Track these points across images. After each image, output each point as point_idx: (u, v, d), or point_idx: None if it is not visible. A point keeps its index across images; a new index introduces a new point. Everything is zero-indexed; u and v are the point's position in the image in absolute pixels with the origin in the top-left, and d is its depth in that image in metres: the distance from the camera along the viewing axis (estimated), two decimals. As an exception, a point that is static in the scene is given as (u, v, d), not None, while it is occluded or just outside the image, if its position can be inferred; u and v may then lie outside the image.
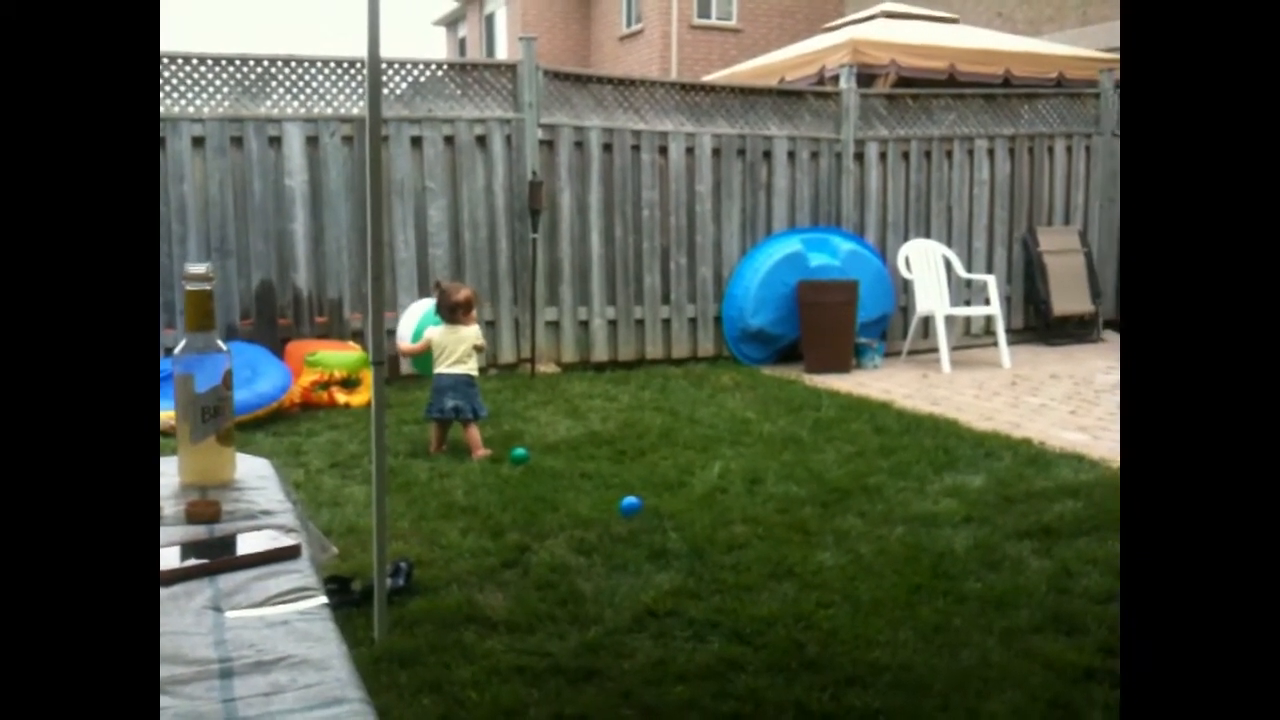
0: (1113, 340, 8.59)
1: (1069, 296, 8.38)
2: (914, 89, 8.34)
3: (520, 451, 4.63)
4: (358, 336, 6.34)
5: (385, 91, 6.55)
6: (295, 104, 6.31)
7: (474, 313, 4.89)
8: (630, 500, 3.88)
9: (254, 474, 1.70)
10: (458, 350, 4.76)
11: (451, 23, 28.25)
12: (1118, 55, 10.04)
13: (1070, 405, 6.04)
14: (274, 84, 6.26)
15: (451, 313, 4.78)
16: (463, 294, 4.84)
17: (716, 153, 7.44)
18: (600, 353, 7.17)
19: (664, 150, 7.30)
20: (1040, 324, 8.46)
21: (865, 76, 8.43)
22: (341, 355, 5.90)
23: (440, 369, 4.79)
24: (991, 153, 8.31)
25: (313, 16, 45.63)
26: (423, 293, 6.63)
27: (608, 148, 7.12)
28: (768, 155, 7.61)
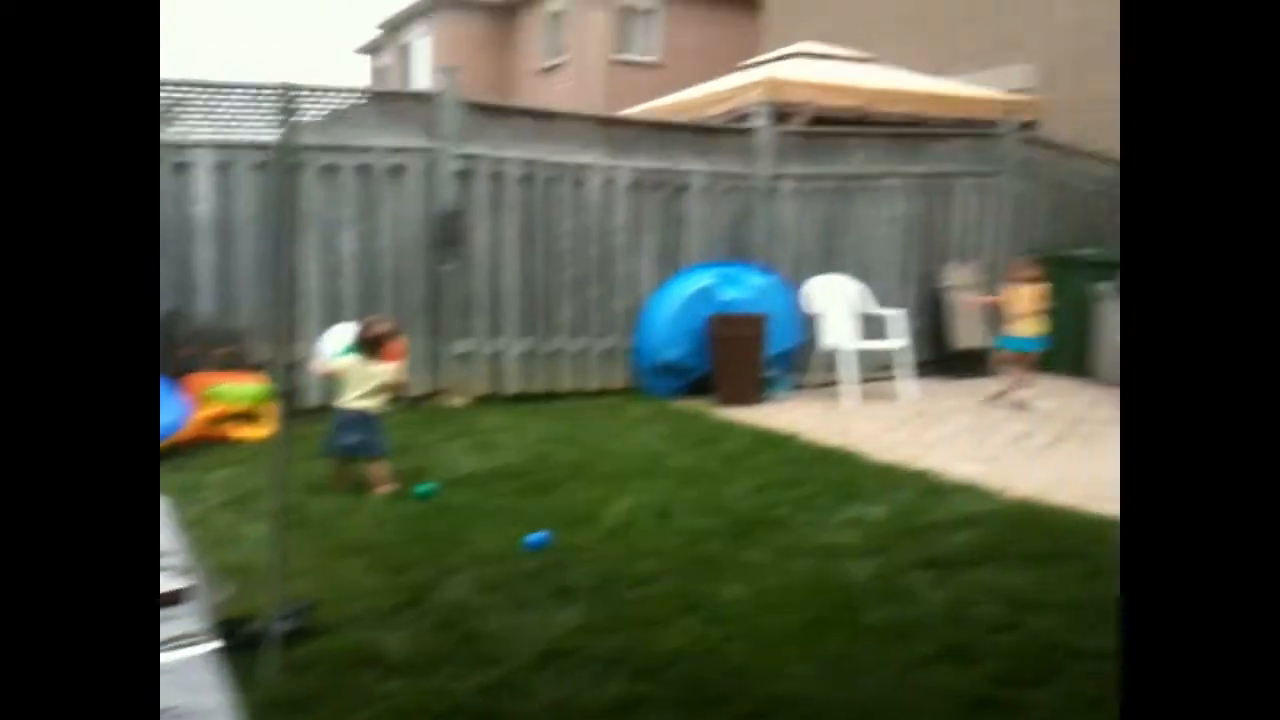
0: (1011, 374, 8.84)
1: (971, 332, 8.62)
2: (828, 127, 8.54)
3: (426, 486, 4.57)
4: (262, 368, 6.20)
5: (301, 119, 6.46)
6: (207, 130, 6.18)
7: (394, 347, 4.78)
8: (537, 535, 3.86)
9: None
10: (364, 385, 4.68)
11: (374, 50, 28.05)
12: (1020, 97, 10.43)
13: (969, 437, 6.21)
14: (184, 110, 6.12)
15: (366, 347, 4.70)
16: (378, 329, 4.74)
17: (634, 186, 7.50)
18: (513, 385, 7.14)
19: (581, 183, 7.33)
20: (943, 358, 8.68)
21: (781, 114, 8.61)
22: (243, 388, 5.76)
23: (343, 402, 4.71)
24: (900, 191, 8.54)
25: (228, 40, 44.92)
26: (330, 324, 6.52)
27: (525, 179, 7.13)
28: (684, 190, 7.70)
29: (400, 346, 5.04)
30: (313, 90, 6.50)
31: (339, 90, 6.64)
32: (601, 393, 7.34)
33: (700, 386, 7.43)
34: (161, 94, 6.06)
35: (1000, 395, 7.35)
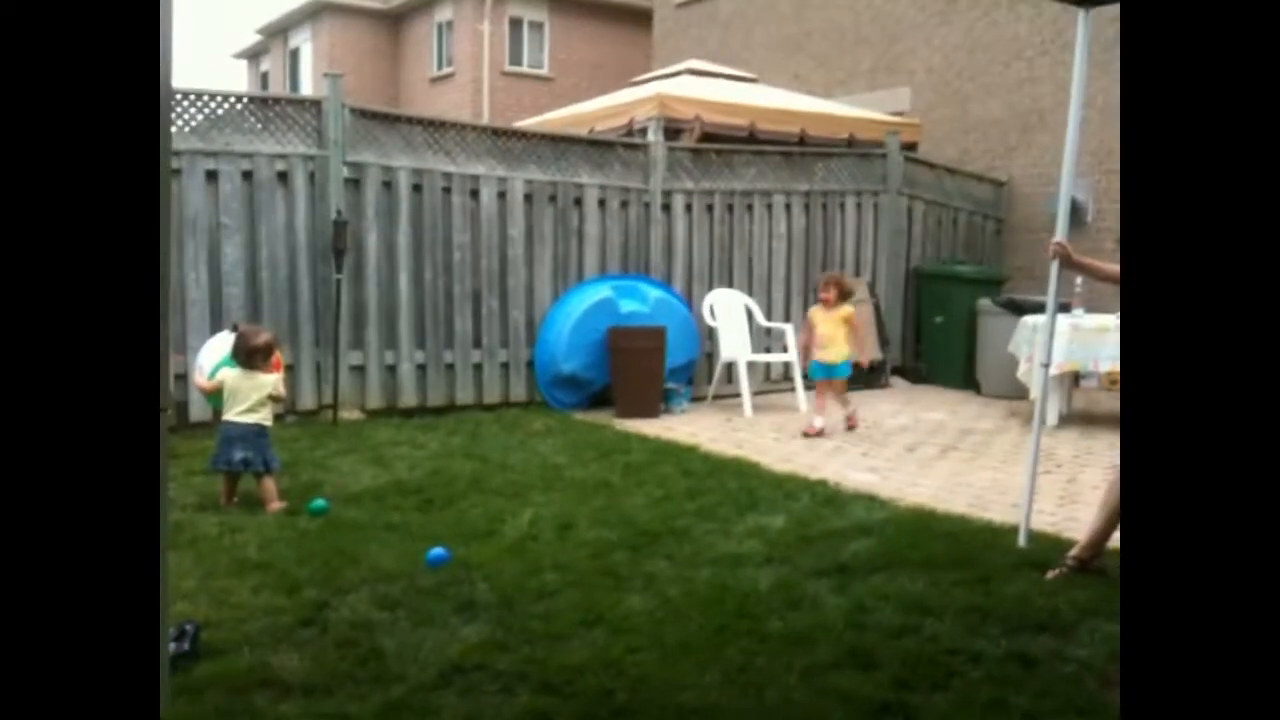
0: (899, 385, 9.13)
1: (861, 344, 8.85)
2: (717, 144, 8.67)
3: (319, 503, 4.43)
4: (142, 381, 5.91)
5: (180, 123, 6.21)
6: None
7: (274, 359, 4.65)
8: (437, 551, 3.78)
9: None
10: (251, 398, 4.52)
11: (253, 56, 27.23)
12: (902, 119, 10.81)
13: (862, 447, 6.36)
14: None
15: (249, 358, 4.54)
16: (262, 339, 4.60)
17: (528, 198, 7.46)
18: (408, 398, 7.00)
19: (475, 194, 7.26)
20: (835, 370, 8.89)
21: (672, 130, 8.71)
22: (123, 401, 5.49)
23: (229, 416, 4.53)
24: (788, 207, 8.74)
25: (97, 39, 42.91)
26: (215, 334, 6.28)
27: (417, 189, 7.01)
28: (579, 202, 7.71)
29: (278, 357, 4.88)
30: (189, 94, 6.26)
31: (217, 95, 6.41)
32: (501, 405, 7.26)
33: (601, 399, 7.44)
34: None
35: (815, 431, 6.63)
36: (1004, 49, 10.80)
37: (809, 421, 6.72)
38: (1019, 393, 7.93)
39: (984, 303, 8.64)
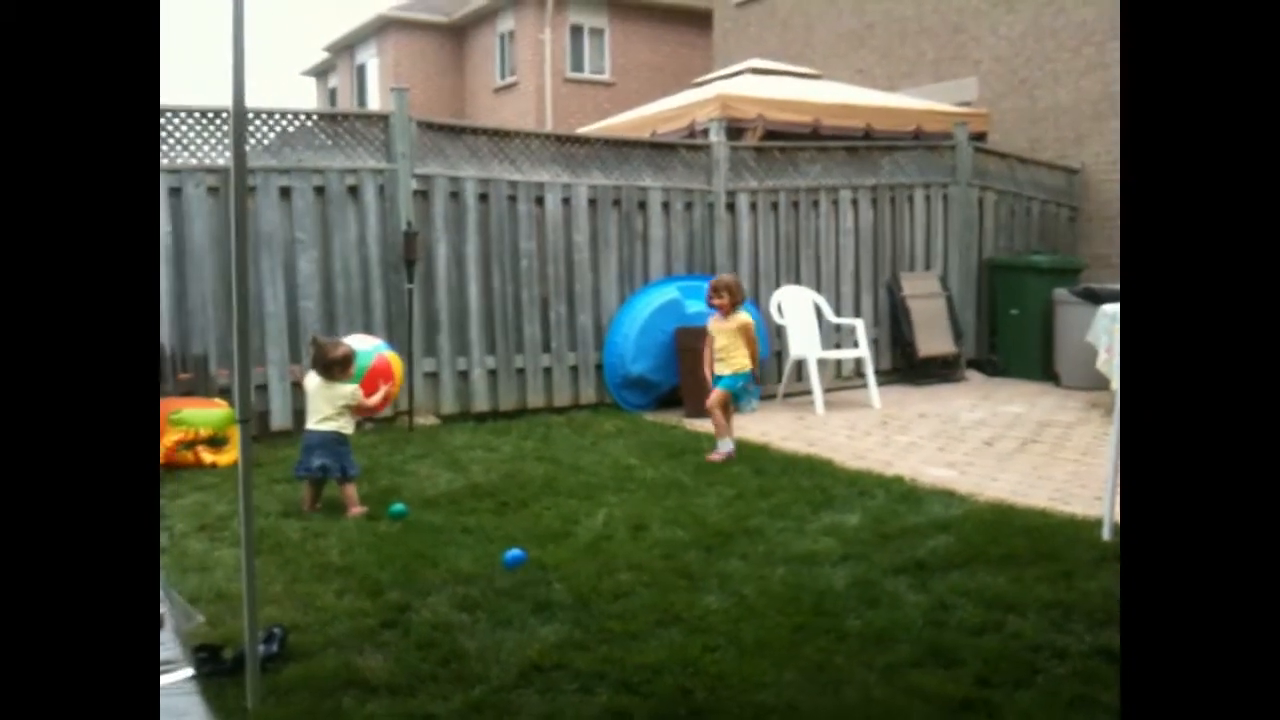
0: (975, 379, 8.98)
1: (933, 338, 8.73)
2: (781, 142, 8.62)
3: (398, 507, 4.52)
4: (225, 393, 6.10)
5: (252, 142, 6.40)
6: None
7: (351, 370, 4.74)
8: (514, 552, 3.82)
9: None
10: (329, 407, 4.62)
11: (321, 73, 27.86)
12: (970, 109, 10.62)
13: (938, 442, 6.27)
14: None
15: (327, 370, 4.64)
16: (340, 351, 4.69)
17: (593, 203, 7.51)
18: (481, 403, 7.09)
19: (540, 201, 7.33)
20: (906, 365, 8.79)
21: (734, 130, 8.68)
22: (207, 413, 5.67)
23: (309, 424, 4.65)
24: (855, 202, 8.65)
25: (176, 65, 44.38)
26: (293, 346, 6.45)
27: (484, 198, 7.11)
28: (643, 206, 7.73)
29: (388, 369, 4.97)
30: (261, 112, 6.44)
31: (288, 113, 6.58)
32: (571, 408, 7.32)
33: (669, 400, 7.45)
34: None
35: (719, 457, 5.65)
36: (1072, 34, 10.55)
37: (715, 449, 5.73)
38: (1099, 384, 7.73)
39: (1060, 293, 8.44)
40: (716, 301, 5.91)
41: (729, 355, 5.87)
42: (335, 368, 4.63)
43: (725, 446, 5.68)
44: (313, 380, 4.69)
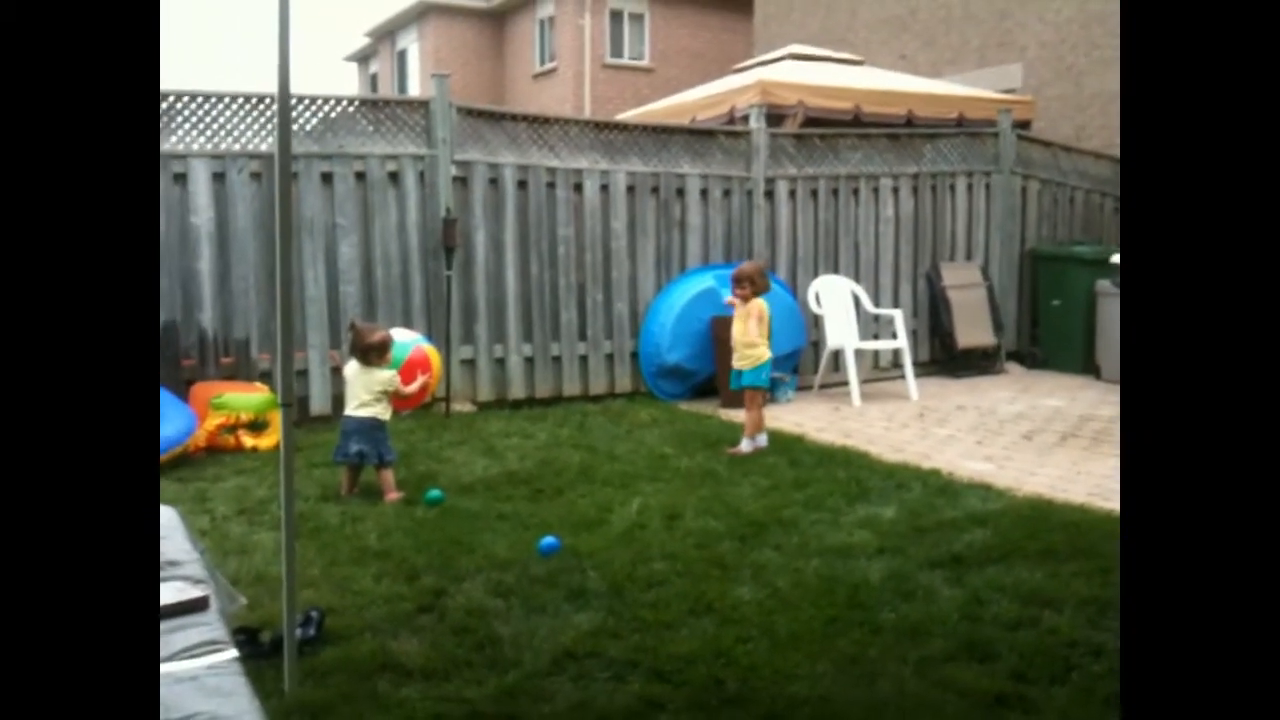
0: (1015, 372, 8.87)
1: (973, 330, 8.64)
2: (821, 129, 8.55)
3: (435, 493, 4.56)
4: (266, 377, 6.18)
5: (295, 127, 6.46)
6: (201, 140, 6.18)
7: (389, 356, 4.78)
8: (548, 540, 3.85)
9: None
10: (366, 393, 4.67)
11: (363, 59, 28.05)
12: (1014, 96, 10.47)
13: (976, 435, 6.21)
14: (179, 119, 6.11)
15: (364, 355, 4.69)
16: (377, 336, 4.73)
17: (631, 190, 7.50)
18: (517, 390, 7.13)
19: (579, 187, 7.33)
20: (946, 356, 8.70)
21: (774, 116, 8.62)
22: (248, 397, 5.75)
23: (348, 410, 4.70)
24: (896, 190, 8.56)
25: (221, 51, 44.88)
26: (333, 331, 6.52)
27: (522, 185, 7.12)
28: (681, 193, 7.71)
29: (426, 360, 5.01)
30: (304, 98, 6.49)
31: (330, 98, 6.63)
32: (606, 396, 7.34)
33: (705, 389, 7.44)
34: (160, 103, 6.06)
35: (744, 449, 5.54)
36: (1119, 20, 10.35)
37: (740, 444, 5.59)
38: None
39: (1104, 284, 8.30)
40: (739, 292, 5.78)
41: (750, 346, 5.71)
42: (372, 353, 4.68)
43: (760, 440, 5.63)
44: (351, 366, 4.74)
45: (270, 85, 2.69)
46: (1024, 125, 9.76)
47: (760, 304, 5.74)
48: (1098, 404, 7.29)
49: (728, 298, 5.99)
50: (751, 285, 5.76)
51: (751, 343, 5.71)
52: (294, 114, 6.43)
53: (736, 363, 5.79)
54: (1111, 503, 4.53)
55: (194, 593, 2.01)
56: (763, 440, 5.66)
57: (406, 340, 5.03)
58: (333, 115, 6.61)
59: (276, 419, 5.53)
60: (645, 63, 20.32)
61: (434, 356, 5.17)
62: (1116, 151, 10.11)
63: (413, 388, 4.82)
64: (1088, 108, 10.71)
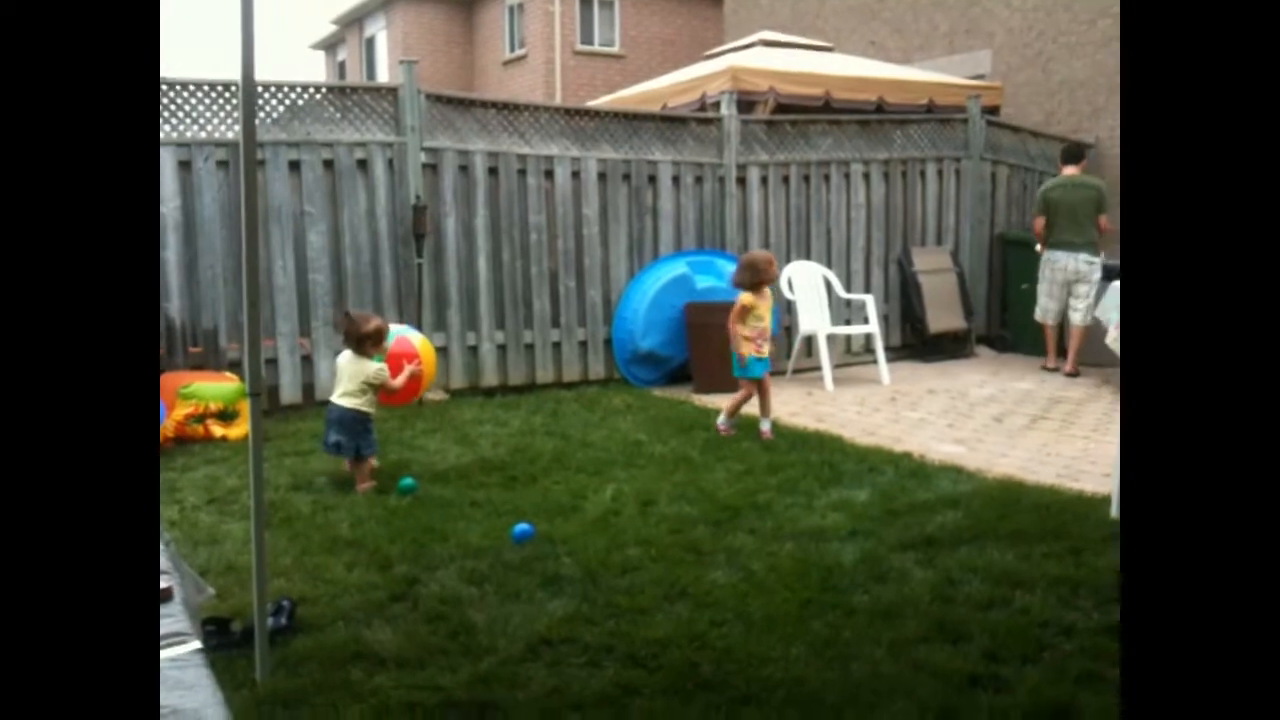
0: (985, 355, 8.94)
1: (943, 314, 8.69)
2: (792, 115, 8.55)
3: (408, 481, 4.53)
4: (234, 367, 6.12)
5: (261, 115, 6.37)
6: (167, 128, 6.08)
7: (383, 346, 4.67)
8: (522, 527, 3.84)
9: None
10: (352, 383, 4.61)
11: (330, 46, 27.73)
12: (983, 82, 10.51)
13: (947, 419, 6.25)
14: (141, 106, 6.01)
15: (359, 345, 4.62)
16: (372, 325, 4.62)
17: (602, 177, 7.47)
18: (490, 378, 7.10)
19: (550, 174, 7.30)
20: (917, 341, 8.75)
21: (745, 103, 8.61)
22: (218, 386, 5.69)
23: (332, 397, 4.66)
24: (867, 176, 8.59)
25: (185, 39, 44.25)
26: (303, 320, 6.46)
27: (493, 171, 7.08)
28: (653, 180, 7.69)
29: (410, 349, 4.90)
30: (270, 85, 6.41)
31: (297, 85, 6.55)
32: (580, 383, 7.32)
33: (679, 375, 7.45)
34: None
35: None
36: (1087, 6, 10.41)
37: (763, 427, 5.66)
38: (1109, 360, 7.69)
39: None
40: (769, 277, 5.65)
41: (769, 335, 5.71)
42: (367, 342, 4.61)
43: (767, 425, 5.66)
44: (344, 355, 4.68)
45: (236, 73, 2.65)
46: (993, 111, 9.81)
47: (748, 297, 5.69)
48: (1067, 386, 7.37)
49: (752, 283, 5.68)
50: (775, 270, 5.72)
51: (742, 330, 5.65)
52: (260, 102, 6.35)
53: (764, 350, 5.69)
54: (1081, 483, 4.58)
55: (160, 584, 1.98)
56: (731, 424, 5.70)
57: (390, 331, 4.94)
58: (300, 102, 6.53)
59: (246, 408, 5.48)
60: (616, 49, 20.22)
61: (424, 347, 5.07)
62: (1085, 137, 10.19)
63: (399, 381, 4.68)
64: (1056, 94, 10.79)
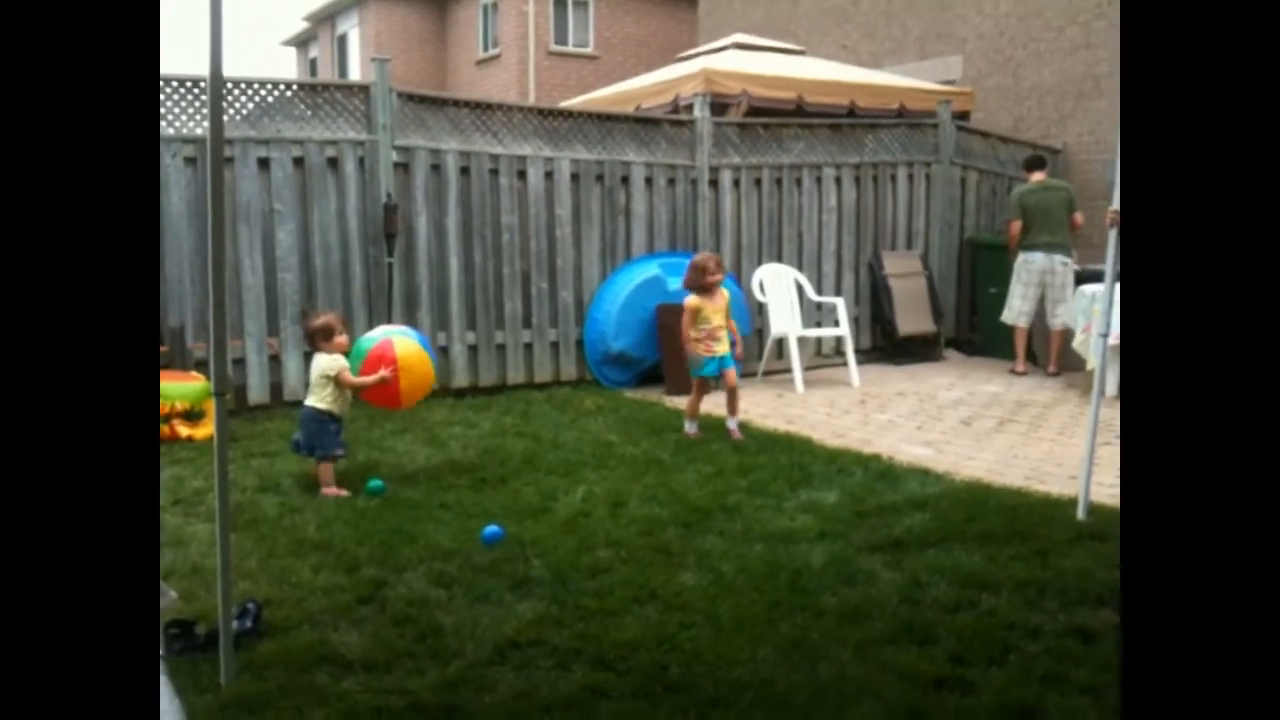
0: (954, 358, 9.02)
1: (913, 317, 8.75)
2: (764, 118, 8.58)
3: (376, 483, 4.50)
4: (201, 366, 6.05)
5: (230, 112, 6.31)
6: (131, 123, 6.01)
7: (335, 341, 4.60)
8: (492, 529, 3.82)
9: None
10: (312, 379, 4.58)
11: (301, 43, 27.51)
12: (954, 87, 10.60)
13: (916, 421, 6.29)
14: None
15: (310, 340, 4.62)
16: (318, 320, 4.60)
17: (575, 178, 7.46)
18: (461, 379, 7.06)
19: (523, 174, 7.27)
20: (887, 344, 8.81)
21: (718, 105, 8.63)
22: (183, 386, 5.62)
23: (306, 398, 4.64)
24: (838, 180, 8.63)
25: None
26: (271, 319, 6.40)
27: (465, 171, 7.05)
28: (626, 181, 7.69)
29: (387, 353, 4.68)
30: (240, 82, 6.34)
31: (267, 83, 6.49)
32: (551, 384, 7.30)
33: (651, 376, 7.45)
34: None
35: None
36: (1058, 14, 10.53)
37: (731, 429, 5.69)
38: (1077, 363, 7.78)
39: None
40: (720, 277, 5.68)
41: (724, 334, 5.71)
42: (316, 337, 4.59)
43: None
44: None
45: (204, 68, 2.62)
46: (963, 116, 9.90)
47: (727, 293, 5.80)
48: (1034, 389, 7.44)
49: (698, 281, 5.71)
50: (722, 271, 5.75)
51: (723, 331, 5.70)
52: (229, 98, 6.28)
53: (717, 349, 5.70)
54: (1048, 486, 4.62)
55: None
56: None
57: (375, 334, 4.81)
58: (269, 100, 6.47)
59: (212, 408, 5.41)
60: (590, 50, 20.21)
61: (413, 354, 4.69)
62: (1053, 142, 10.31)
63: (366, 380, 4.55)
64: (1025, 99, 10.90)
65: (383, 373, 4.56)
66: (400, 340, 4.75)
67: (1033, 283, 8.06)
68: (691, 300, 5.68)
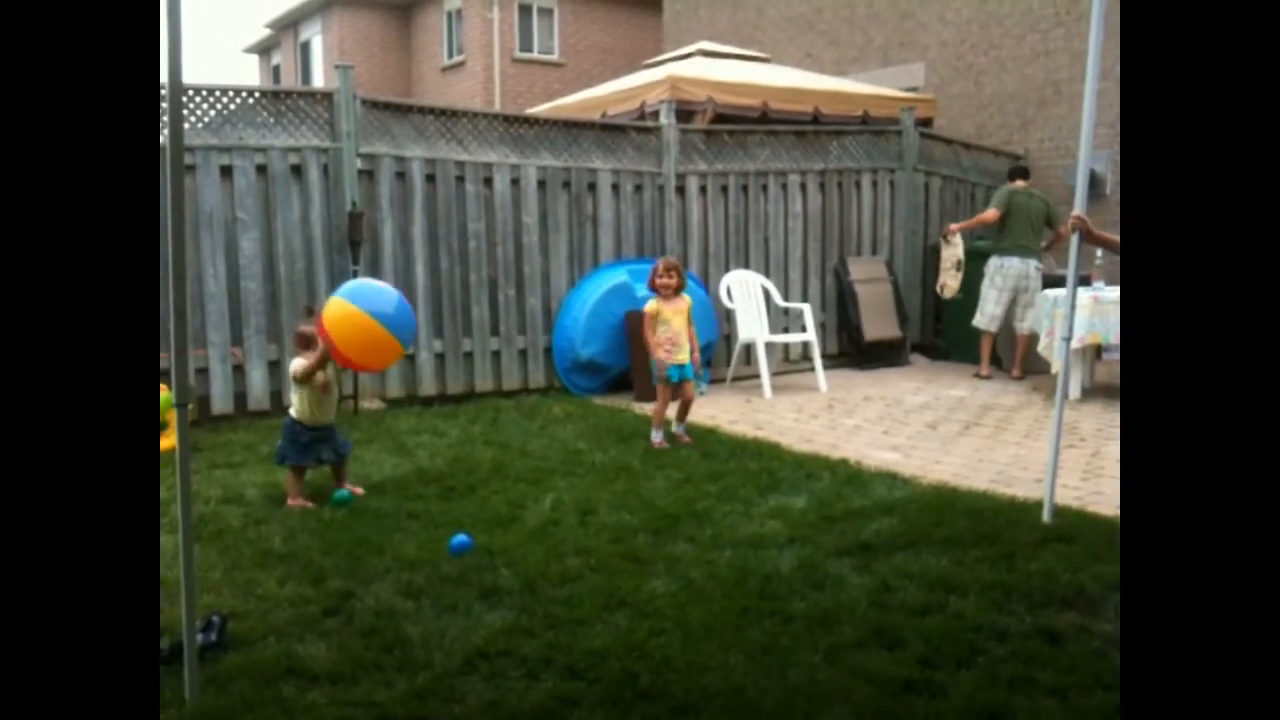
0: (919, 363, 9.09)
1: (879, 323, 8.82)
2: (730, 125, 8.62)
3: (342, 493, 4.45)
4: (163, 376, 5.95)
5: (192, 119, 6.23)
6: (90, 130, 5.92)
7: (313, 349, 4.38)
8: (460, 538, 3.79)
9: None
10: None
11: (264, 50, 27.26)
12: (917, 95, 10.71)
13: (883, 425, 6.33)
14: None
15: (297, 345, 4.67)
16: (300, 328, 4.66)
17: (542, 185, 7.45)
18: (428, 387, 7.02)
19: (489, 181, 7.25)
20: (853, 349, 8.87)
21: (684, 112, 8.66)
22: (145, 397, 5.54)
23: None
24: (804, 187, 8.69)
25: (111, 38, 43.07)
26: (234, 328, 6.32)
27: (430, 178, 7.01)
28: (593, 188, 7.69)
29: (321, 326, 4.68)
30: (201, 90, 6.27)
31: (229, 89, 6.42)
32: (520, 392, 7.28)
33: (619, 383, 7.44)
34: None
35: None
36: (1018, 22, 10.68)
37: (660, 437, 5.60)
38: (1041, 367, 7.88)
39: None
40: (669, 281, 5.65)
41: (685, 341, 5.67)
42: (297, 345, 4.67)
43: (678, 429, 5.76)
44: None
45: (162, 75, 2.58)
46: (926, 123, 10.00)
47: (689, 299, 5.80)
48: (999, 393, 7.52)
49: (660, 282, 5.70)
50: (679, 276, 5.72)
51: (684, 337, 5.68)
52: (190, 106, 6.21)
53: (678, 356, 5.65)
54: (1014, 489, 4.67)
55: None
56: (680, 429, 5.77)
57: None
58: (232, 107, 6.40)
59: (174, 419, 5.34)
60: (555, 57, 20.21)
61: (335, 315, 4.04)
62: (1015, 148, 10.44)
63: (309, 362, 4.36)
64: (987, 106, 11.04)
65: (319, 349, 4.26)
66: (329, 304, 4.18)
67: (1007, 287, 8.16)
68: (651, 304, 5.72)
